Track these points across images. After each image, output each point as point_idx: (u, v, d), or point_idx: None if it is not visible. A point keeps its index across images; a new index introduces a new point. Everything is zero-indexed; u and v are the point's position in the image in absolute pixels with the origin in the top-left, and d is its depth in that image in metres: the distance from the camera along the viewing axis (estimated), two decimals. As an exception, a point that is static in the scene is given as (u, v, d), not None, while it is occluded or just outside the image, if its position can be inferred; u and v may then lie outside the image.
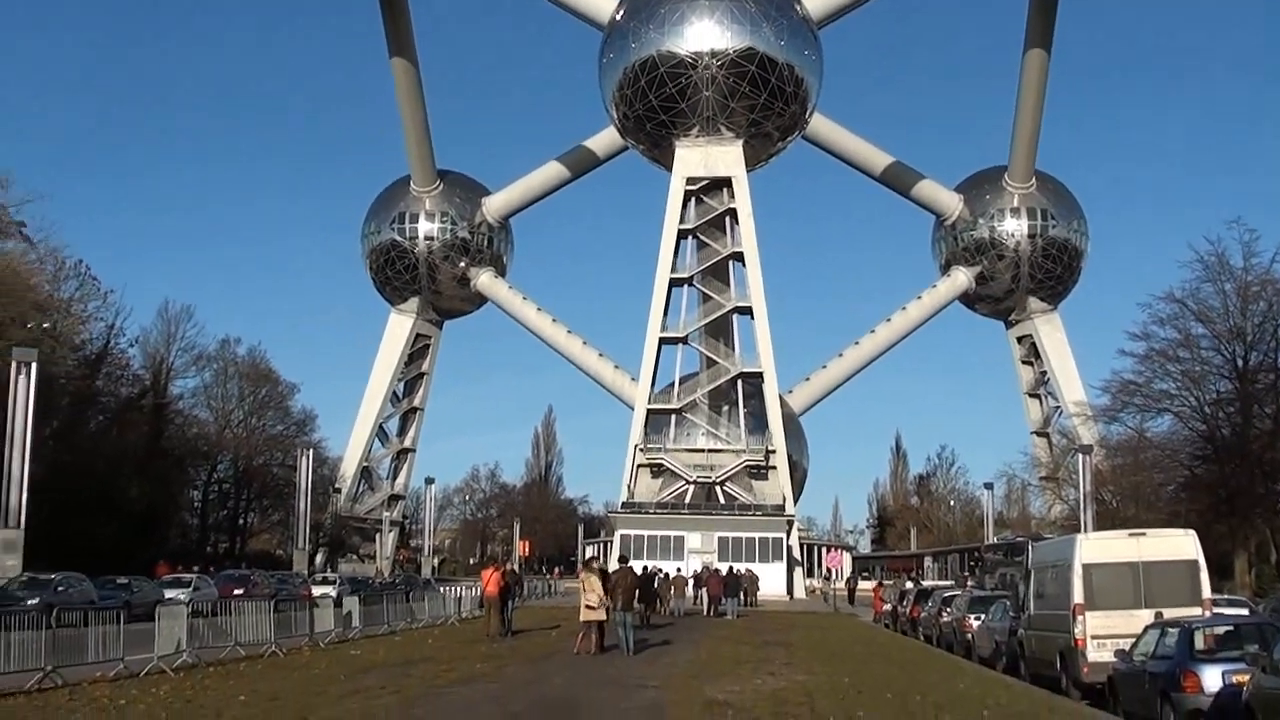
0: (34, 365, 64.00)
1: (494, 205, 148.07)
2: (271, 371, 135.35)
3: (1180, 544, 31.37)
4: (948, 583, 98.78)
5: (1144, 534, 32.67)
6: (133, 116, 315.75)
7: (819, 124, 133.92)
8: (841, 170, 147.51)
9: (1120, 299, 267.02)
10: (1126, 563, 30.77)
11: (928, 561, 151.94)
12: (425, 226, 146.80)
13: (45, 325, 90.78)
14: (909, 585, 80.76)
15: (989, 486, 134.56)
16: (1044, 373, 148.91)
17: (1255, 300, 76.23)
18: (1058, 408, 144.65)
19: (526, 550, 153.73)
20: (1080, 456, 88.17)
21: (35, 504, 66.85)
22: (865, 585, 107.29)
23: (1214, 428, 76.42)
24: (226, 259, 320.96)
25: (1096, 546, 31.79)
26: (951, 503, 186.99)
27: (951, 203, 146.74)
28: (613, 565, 60.35)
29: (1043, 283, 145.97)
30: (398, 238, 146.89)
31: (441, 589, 72.85)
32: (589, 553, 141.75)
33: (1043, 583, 34.30)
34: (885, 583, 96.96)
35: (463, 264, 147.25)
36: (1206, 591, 30.62)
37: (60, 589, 52.94)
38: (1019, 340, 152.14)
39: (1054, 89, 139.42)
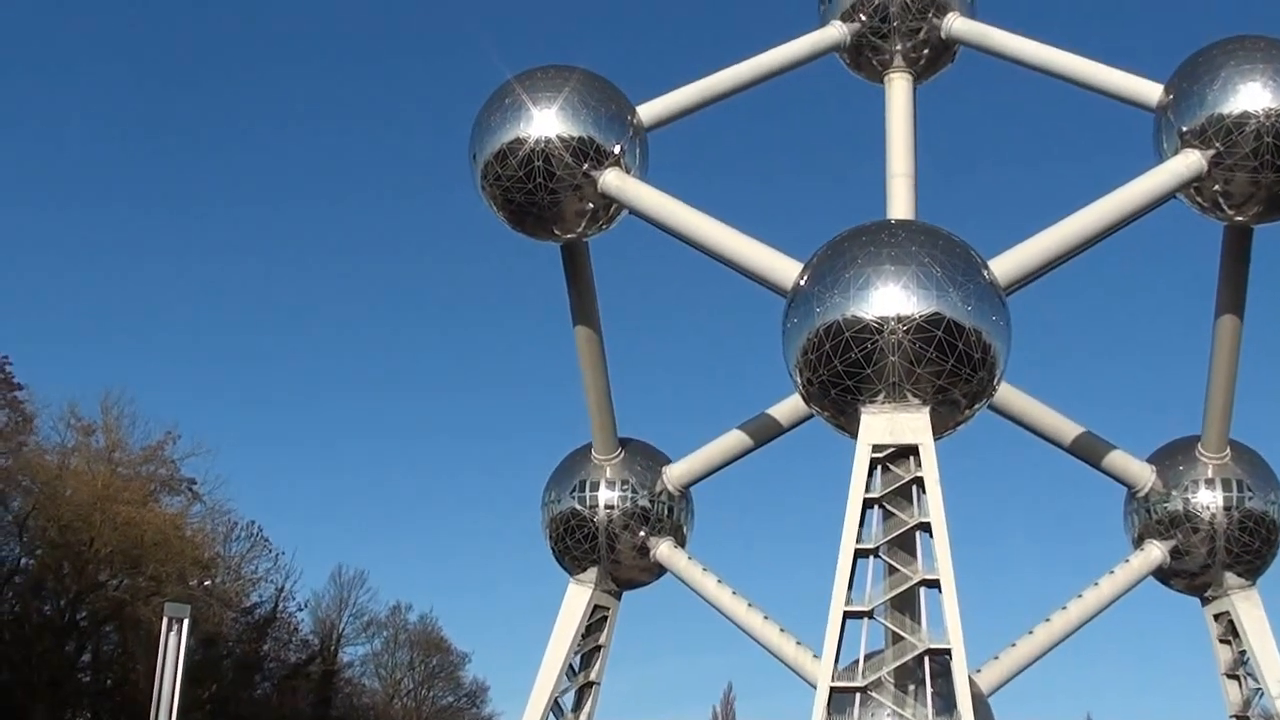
0: (185, 622, 62.48)
1: (675, 474, 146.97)
2: (443, 640, 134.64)
3: None
4: None
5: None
6: (309, 382, 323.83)
7: (1006, 391, 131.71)
8: (1029, 440, 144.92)
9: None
10: None
11: None
12: (605, 495, 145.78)
13: (206, 583, 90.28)
14: None
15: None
16: (1243, 652, 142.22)
17: None
18: (1258, 689, 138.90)
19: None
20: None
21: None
22: None
23: None
24: (402, 523, 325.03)
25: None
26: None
27: (1144, 474, 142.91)
28: None
29: (1240, 557, 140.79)
30: (578, 506, 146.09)
31: None
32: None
33: None
34: None
35: (643, 533, 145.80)
36: None
37: None
38: (1216, 617, 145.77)
39: (1248, 352, 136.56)
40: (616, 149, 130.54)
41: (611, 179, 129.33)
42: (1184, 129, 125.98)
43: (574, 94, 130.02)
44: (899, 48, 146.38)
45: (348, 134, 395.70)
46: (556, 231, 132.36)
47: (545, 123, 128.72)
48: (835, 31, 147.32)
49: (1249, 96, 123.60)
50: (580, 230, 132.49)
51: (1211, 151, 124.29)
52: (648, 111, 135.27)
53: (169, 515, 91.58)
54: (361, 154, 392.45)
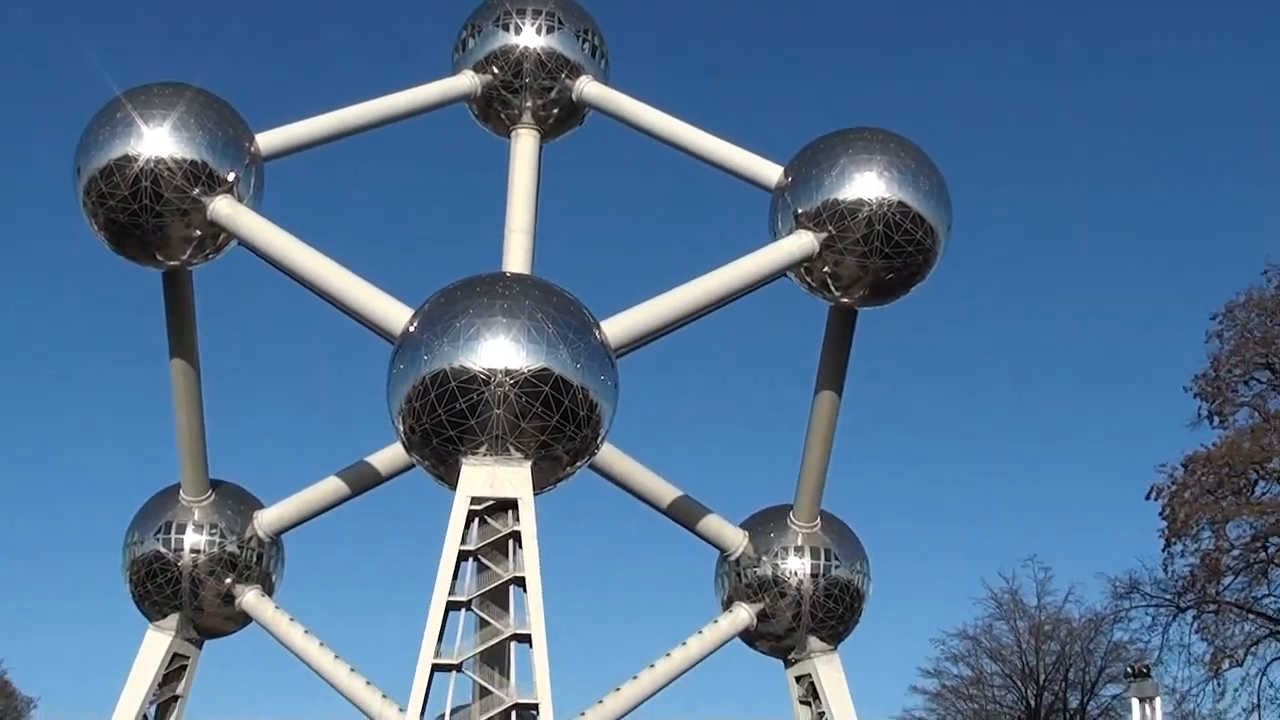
0: None
1: (266, 520, 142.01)
2: (6, 684, 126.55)
3: None
4: None
5: None
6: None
7: (608, 452, 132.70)
8: (627, 500, 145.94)
9: (918, 632, 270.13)
10: None
11: None
12: (192, 539, 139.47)
13: None
14: None
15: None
16: (822, 713, 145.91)
17: (1048, 640, 75.08)
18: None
19: None
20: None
21: None
22: None
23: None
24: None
25: None
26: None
27: (737, 539, 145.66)
28: None
29: (824, 622, 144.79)
30: (162, 549, 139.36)
31: None
32: None
33: None
34: None
35: (229, 580, 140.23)
36: None
37: None
38: (798, 679, 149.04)
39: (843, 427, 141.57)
40: (230, 176, 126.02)
41: (222, 207, 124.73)
42: (800, 211, 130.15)
43: (188, 114, 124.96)
44: (529, 105, 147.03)
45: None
46: (159, 257, 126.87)
47: (156, 142, 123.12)
48: (466, 81, 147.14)
49: (863, 185, 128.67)
50: (185, 258, 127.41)
51: (824, 234, 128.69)
52: (267, 140, 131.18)
53: None
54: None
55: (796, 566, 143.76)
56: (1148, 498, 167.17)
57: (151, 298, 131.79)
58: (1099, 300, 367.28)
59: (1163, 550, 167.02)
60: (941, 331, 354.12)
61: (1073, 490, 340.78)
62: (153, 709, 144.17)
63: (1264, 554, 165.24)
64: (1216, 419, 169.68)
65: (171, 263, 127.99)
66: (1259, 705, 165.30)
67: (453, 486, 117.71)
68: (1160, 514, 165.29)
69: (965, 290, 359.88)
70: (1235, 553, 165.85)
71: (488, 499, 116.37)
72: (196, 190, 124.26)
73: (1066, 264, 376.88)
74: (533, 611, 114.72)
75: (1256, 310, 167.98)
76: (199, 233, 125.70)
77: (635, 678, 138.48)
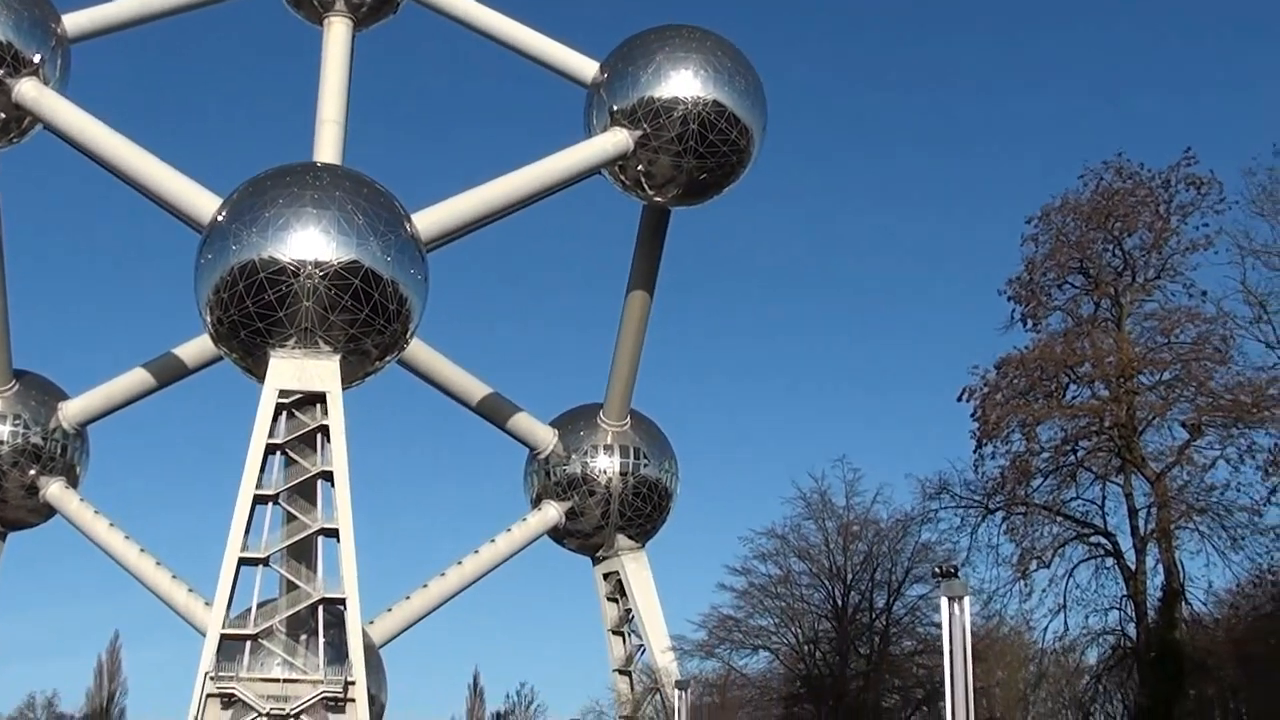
0: None
1: (71, 411, 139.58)
2: None
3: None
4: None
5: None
6: None
7: (418, 349, 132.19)
8: (438, 396, 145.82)
9: (726, 531, 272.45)
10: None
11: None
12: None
13: None
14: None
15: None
16: (629, 610, 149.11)
17: (856, 540, 76.87)
18: (641, 646, 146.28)
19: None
20: (676, 693, 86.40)
21: None
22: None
23: (811, 666, 75.81)
24: None
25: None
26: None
27: (546, 437, 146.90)
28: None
29: (632, 520, 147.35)
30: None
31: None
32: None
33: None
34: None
35: (33, 472, 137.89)
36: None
37: None
38: (605, 577, 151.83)
39: (654, 327, 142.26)
40: (36, 58, 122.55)
41: (28, 89, 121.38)
42: (615, 108, 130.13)
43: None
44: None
45: None
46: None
47: None
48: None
49: (680, 83, 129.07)
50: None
51: (639, 132, 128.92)
52: (74, 22, 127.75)
53: None
54: None
55: (606, 465, 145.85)
56: (959, 399, 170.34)
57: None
58: (915, 203, 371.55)
59: (974, 452, 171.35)
60: (754, 231, 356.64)
61: (884, 392, 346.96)
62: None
63: (1073, 457, 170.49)
64: (1030, 322, 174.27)
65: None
66: (1065, 606, 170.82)
67: (260, 379, 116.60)
68: (972, 415, 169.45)
69: (779, 190, 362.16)
70: (1045, 455, 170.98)
71: (296, 392, 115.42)
72: (1, 72, 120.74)
73: (883, 167, 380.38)
74: (340, 506, 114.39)
75: (1072, 215, 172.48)
76: (3, 115, 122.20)
77: (443, 575, 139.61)
